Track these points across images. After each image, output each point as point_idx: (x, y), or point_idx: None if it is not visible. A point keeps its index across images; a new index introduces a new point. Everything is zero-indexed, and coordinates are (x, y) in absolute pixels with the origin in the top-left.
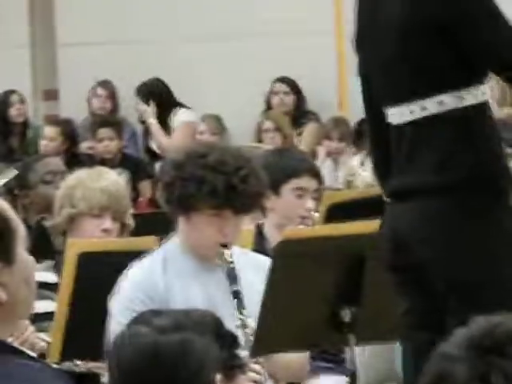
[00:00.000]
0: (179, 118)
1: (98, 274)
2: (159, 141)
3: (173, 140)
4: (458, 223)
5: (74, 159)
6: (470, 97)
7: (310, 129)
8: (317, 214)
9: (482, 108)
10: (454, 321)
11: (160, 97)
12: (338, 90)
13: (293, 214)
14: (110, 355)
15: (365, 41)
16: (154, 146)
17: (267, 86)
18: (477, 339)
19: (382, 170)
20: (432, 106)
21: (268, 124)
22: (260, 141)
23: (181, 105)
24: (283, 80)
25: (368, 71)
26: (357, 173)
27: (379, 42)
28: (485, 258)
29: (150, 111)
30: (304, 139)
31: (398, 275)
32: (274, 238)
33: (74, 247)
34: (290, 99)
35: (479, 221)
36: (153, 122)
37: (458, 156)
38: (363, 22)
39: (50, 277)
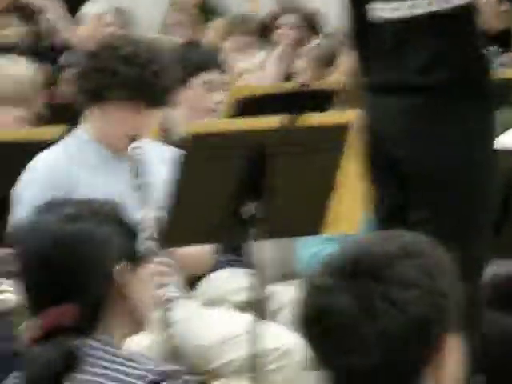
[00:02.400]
0: (89, 9)
1: (7, 164)
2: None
3: (82, 32)
4: (436, 121)
5: None
6: None
7: (217, 23)
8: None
9: (470, 8)
10: (419, 214)
11: None
12: None
13: (201, 106)
14: (16, 243)
15: None
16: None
17: None
18: (350, 265)
19: (363, 65)
20: (420, 5)
21: (176, 16)
22: (167, 33)
23: None
24: None
25: None
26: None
27: None
28: (458, 153)
29: (49, 5)
30: (211, 33)
31: (373, 168)
32: (180, 130)
33: None
34: None
35: (459, 123)
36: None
37: (443, 57)
38: None
39: None
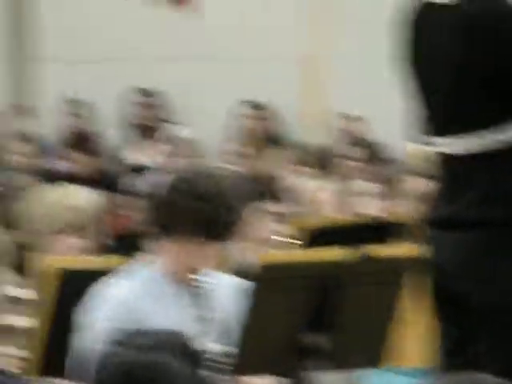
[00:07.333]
0: (181, 134)
1: (78, 292)
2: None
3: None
4: (496, 256)
5: (43, 175)
6: (510, 132)
7: (275, 153)
8: (285, 239)
9: None
10: (487, 351)
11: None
12: (302, 114)
13: (255, 236)
14: (95, 373)
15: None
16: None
17: (234, 108)
18: None
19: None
20: (473, 142)
21: (233, 147)
22: (225, 163)
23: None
24: (250, 103)
25: (418, 94)
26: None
27: (429, 72)
28: None
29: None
30: (269, 163)
31: (437, 302)
32: (240, 260)
33: (50, 264)
34: (257, 123)
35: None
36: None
37: (497, 192)
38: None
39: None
